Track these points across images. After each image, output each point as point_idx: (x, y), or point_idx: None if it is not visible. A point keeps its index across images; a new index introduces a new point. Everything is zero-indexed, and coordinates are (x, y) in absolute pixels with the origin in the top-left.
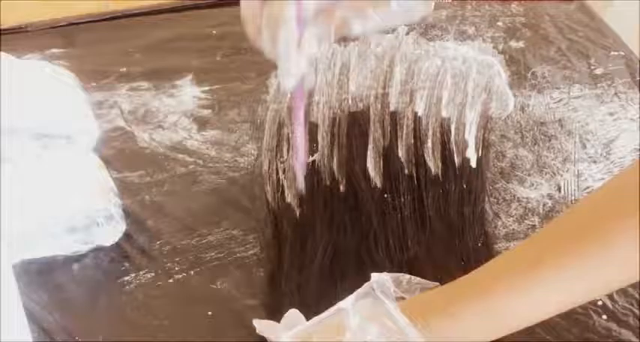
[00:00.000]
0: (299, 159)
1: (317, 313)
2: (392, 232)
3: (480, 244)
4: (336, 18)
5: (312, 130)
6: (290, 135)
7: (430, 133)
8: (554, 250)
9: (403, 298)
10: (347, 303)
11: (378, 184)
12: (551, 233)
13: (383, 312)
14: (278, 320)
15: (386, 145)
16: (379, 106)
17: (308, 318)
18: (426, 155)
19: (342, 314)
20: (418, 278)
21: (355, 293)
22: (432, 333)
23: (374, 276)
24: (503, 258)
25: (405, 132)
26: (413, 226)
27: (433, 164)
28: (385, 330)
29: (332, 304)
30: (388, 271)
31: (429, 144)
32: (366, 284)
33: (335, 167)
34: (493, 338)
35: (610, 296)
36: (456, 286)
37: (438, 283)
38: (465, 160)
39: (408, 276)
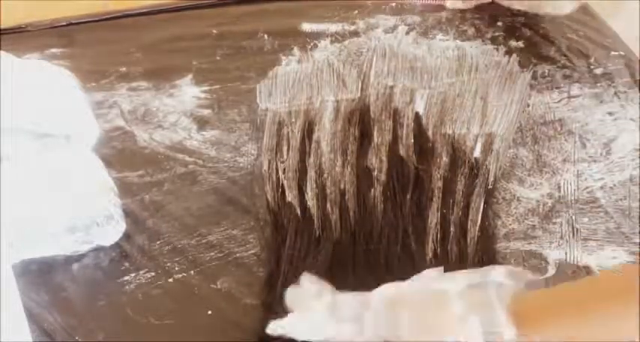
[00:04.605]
0: None
1: None
2: (392, 231)
3: (480, 244)
4: None
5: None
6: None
7: (430, 132)
8: None
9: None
10: (455, 284)
11: (381, 182)
12: None
13: (489, 307)
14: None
15: (387, 143)
16: (380, 105)
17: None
18: (426, 154)
19: (444, 293)
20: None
21: (468, 278)
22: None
23: (492, 271)
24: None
25: (405, 131)
26: (414, 225)
27: (433, 164)
28: (485, 321)
29: None
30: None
31: (429, 143)
32: (482, 273)
33: (339, 165)
34: None
35: None
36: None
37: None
38: (466, 160)
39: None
